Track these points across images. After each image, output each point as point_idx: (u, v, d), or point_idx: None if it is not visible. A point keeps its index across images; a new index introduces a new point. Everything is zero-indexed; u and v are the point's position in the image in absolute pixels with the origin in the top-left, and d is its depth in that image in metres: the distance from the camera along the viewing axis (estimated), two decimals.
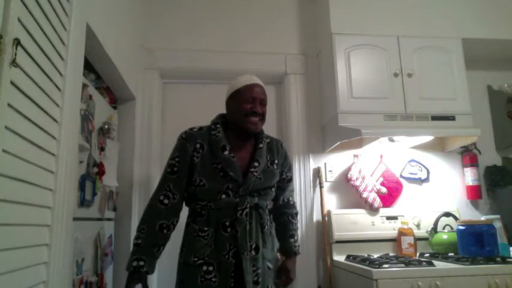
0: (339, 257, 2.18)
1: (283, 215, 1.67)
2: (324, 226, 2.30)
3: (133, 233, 2.15)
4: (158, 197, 1.49)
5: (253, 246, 1.45)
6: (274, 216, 1.65)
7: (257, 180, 1.50)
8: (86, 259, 1.57)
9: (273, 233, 1.60)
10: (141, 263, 1.41)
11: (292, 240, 1.64)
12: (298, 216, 2.27)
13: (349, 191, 2.39)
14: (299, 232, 2.27)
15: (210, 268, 1.42)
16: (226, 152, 1.49)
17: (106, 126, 1.82)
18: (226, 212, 1.46)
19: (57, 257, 1.09)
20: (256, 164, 1.51)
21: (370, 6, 2.34)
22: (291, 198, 1.72)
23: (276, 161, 1.61)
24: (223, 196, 1.47)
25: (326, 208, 2.33)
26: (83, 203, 1.53)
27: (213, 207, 1.47)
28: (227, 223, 1.45)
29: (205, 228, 1.46)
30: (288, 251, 1.63)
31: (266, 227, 1.53)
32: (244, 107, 1.52)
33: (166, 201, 1.48)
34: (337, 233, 2.22)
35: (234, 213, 1.45)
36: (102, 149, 1.78)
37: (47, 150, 1.05)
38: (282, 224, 1.66)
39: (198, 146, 1.52)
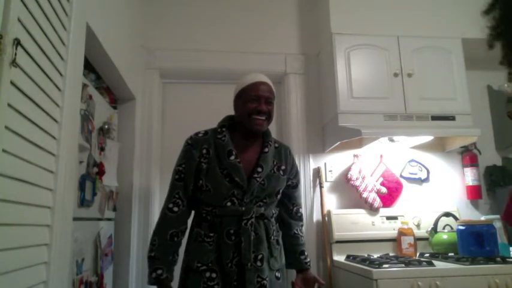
0: (339, 257, 2.18)
1: (291, 226, 1.64)
2: (324, 226, 2.30)
3: (133, 233, 2.16)
4: (167, 205, 1.48)
5: (259, 257, 1.42)
6: (282, 225, 1.63)
7: (260, 186, 1.47)
8: (85, 259, 1.57)
9: (281, 242, 1.57)
10: (159, 271, 1.40)
11: (302, 257, 1.62)
12: None
13: (349, 191, 2.39)
14: None
15: (213, 275, 1.39)
16: (232, 157, 1.46)
17: (106, 126, 1.82)
18: (231, 220, 1.43)
19: (57, 257, 1.09)
20: (259, 169, 1.48)
21: (370, 6, 2.34)
22: (300, 210, 1.69)
23: (283, 167, 1.57)
24: (229, 204, 1.45)
25: (326, 208, 2.33)
26: (83, 203, 1.52)
27: (218, 214, 1.45)
28: (231, 231, 1.42)
29: (211, 234, 1.44)
30: (301, 268, 1.62)
31: (272, 237, 1.50)
32: (249, 106, 1.49)
33: (175, 208, 1.47)
34: (337, 233, 2.22)
35: (239, 222, 1.43)
36: (102, 149, 1.78)
37: (47, 150, 1.05)
38: (291, 237, 1.63)
39: (204, 151, 1.49)
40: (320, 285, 1.60)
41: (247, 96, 1.50)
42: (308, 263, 1.62)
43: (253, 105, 1.49)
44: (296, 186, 1.67)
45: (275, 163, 1.55)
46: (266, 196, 1.50)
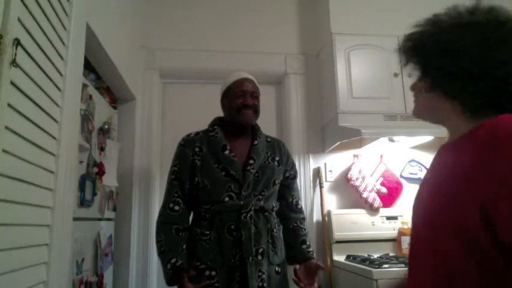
0: (339, 257, 2.18)
1: (291, 220, 1.63)
2: (324, 226, 2.30)
3: (133, 233, 2.16)
4: (168, 205, 1.50)
5: (260, 250, 1.43)
6: (282, 220, 1.63)
7: (255, 178, 1.50)
8: (85, 259, 1.57)
9: (282, 237, 1.57)
10: (173, 260, 1.41)
11: (304, 246, 1.58)
12: None
13: (349, 191, 2.39)
14: None
15: (213, 273, 1.41)
16: (227, 152, 1.50)
17: (106, 126, 1.82)
18: (230, 216, 1.44)
19: (57, 257, 1.09)
20: (251, 161, 1.51)
21: (370, 6, 2.34)
22: (299, 202, 1.69)
23: (278, 158, 1.61)
24: (227, 199, 1.46)
25: (326, 208, 2.33)
26: (83, 203, 1.52)
27: (217, 211, 1.46)
28: (232, 227, 1.43)
29: (207, 232, 1.45)
30: (304, 258, 1.56)
31: (275, 230, 1.51)
32: (237, 102, 1.55)
33: (177, 207, 1.50)
34: (337, 233, 2.22)
35: (238, 217, 1.43)
36: (102, 149, 1.78)
37: (47, 150, 1.05)
38: (291, 229, 1.62)
39: (197, 149, 1.53)
40: (320, 269, 1.51)
41: (234, 93, 1.57)
42: (311, 253, 1.58)
43: (240, 100, 1.55)
44: (294, 177, 1.70)
45: (269, 154, 1.59)
46: (263, 188, 1.51)
